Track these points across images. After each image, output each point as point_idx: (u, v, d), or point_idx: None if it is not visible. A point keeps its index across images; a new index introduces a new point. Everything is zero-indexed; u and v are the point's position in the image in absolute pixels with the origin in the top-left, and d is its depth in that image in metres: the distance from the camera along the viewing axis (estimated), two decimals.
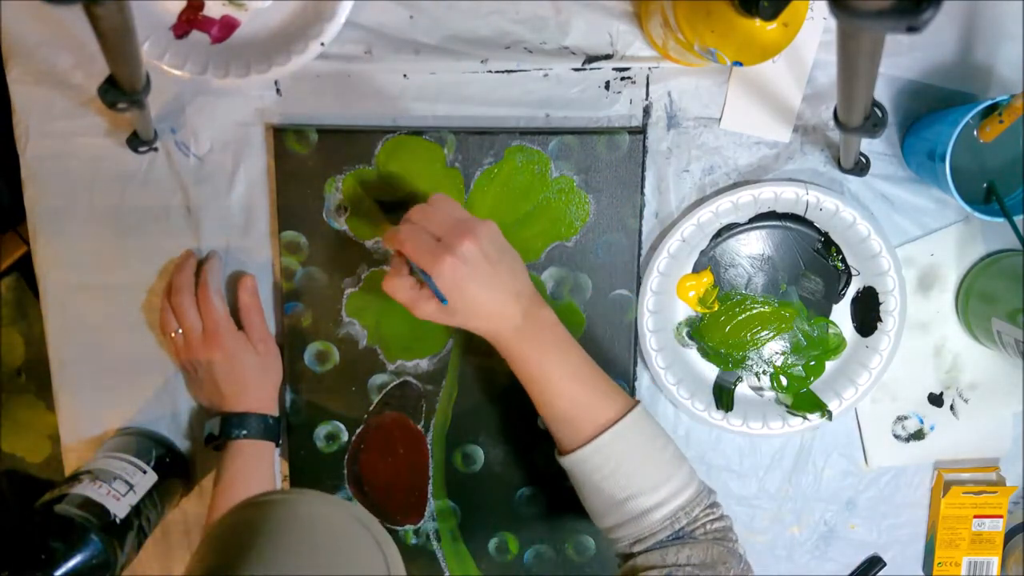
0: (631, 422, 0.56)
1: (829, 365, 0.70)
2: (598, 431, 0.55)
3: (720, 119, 0.65)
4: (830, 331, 0.69)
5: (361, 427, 0.68)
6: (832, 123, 0.56)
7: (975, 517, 0.71)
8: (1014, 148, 0.62)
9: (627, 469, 0.55)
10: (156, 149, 0.64)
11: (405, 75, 0.64)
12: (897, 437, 0.71)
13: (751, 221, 0.67)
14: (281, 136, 0.64)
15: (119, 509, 0.57)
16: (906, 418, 0.71)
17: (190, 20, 0.62)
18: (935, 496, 0.72)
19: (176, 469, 0.67)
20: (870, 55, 0.40)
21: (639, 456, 0.56)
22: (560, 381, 0.56)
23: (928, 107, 0.65)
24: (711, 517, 0.56)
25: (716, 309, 0.69)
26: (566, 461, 0.58)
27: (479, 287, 0.54)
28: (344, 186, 0.64)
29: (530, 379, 0.57)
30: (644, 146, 0.65)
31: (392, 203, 0.65)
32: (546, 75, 0.64)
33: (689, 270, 0.68)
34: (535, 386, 0.57)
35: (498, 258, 0.55)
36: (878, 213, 0.67)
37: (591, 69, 0.64)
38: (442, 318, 0.56)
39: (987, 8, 0.63)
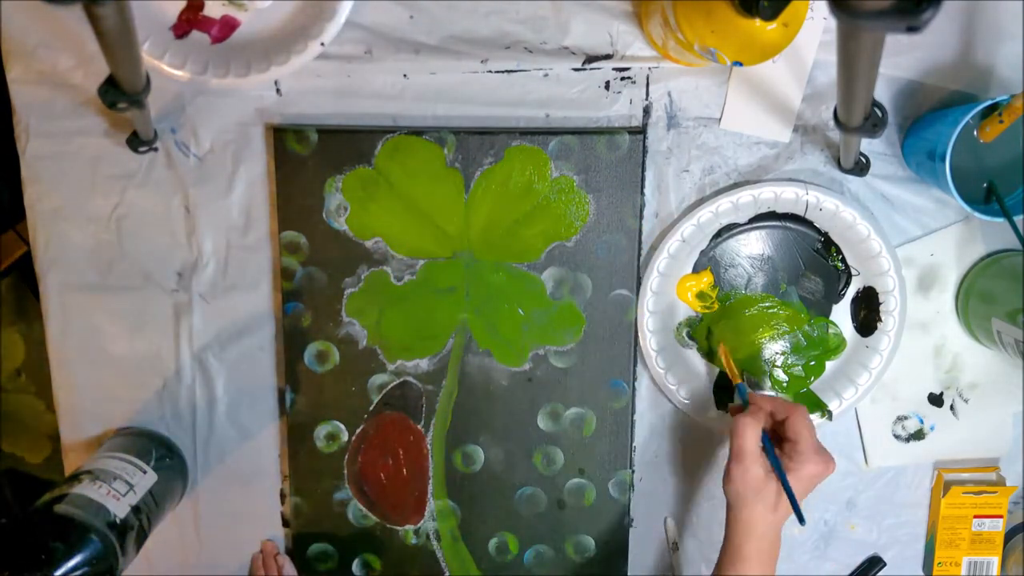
0: None
1: (829, 365, 0.70)
2: None
3: (720, 119, 0.65)
4: (830, 331, 0.69)
5: (361, 427, 0.68)
6: (832, 123, 0.56)
7: (975, 517, 0.71)
8: (1014, 148, 0.62)
9: None
10: (156, 149, 0.64)
11: (405, 75, 0.64)
12: (897, 437, 0.71)
13: (751, 221, 0.67)
14: (281, 136, 0.64)
15: (119, 509, 0.57)
16: (906, 418, 0.71)
17: (190, 20, 0.62)
18: (935, 496, 0.72)
19: (176, 469, 0.67)
20: (870, 55, 0.40)
21: None
22: None
23: (928, 107, 0.65)
24: None
25: (716, 309, 0.69)
26: None
27: (800, 493, 0.57)
28: (344, 186, 0.64)
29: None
30: (644, 146, 0.65)
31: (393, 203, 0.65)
32: (546, 75, 0.64)
33: (689, 270, 0.68)
34: None
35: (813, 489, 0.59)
36: (878, 213, 0.67)
37: (591, 69, 0.64)
38: (745, 485, 0.57)
39: (987, 8, 0.63)
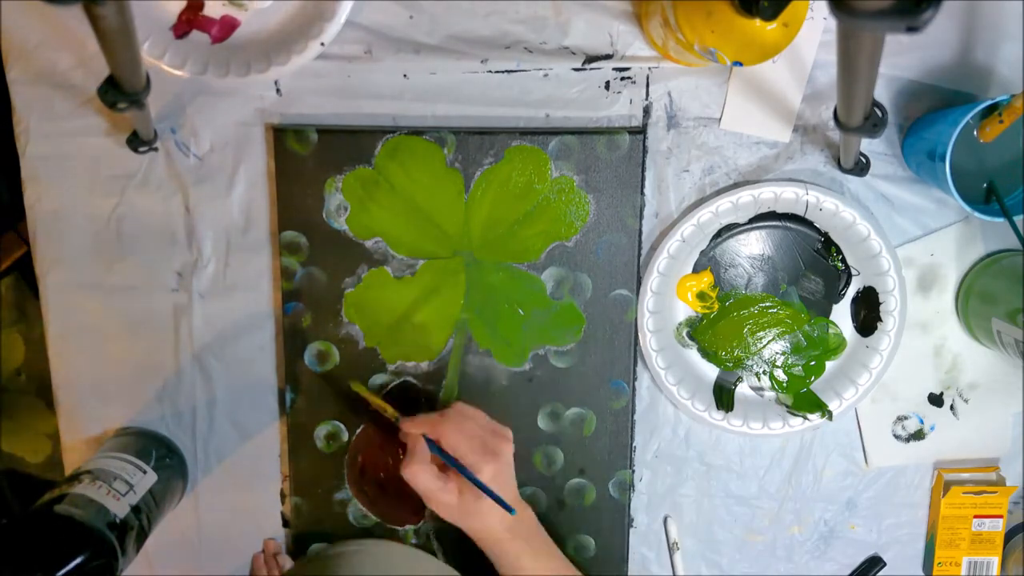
0: None
1: (829, 365, 0.70)
2: None
3: (720, 119, 0.65)
4: (830, 331, 0.69)
5: (361, 427, 0.68)
6: (832, 123, 0.56)
7: (975, 517, 0.71)
8: (1014, 148, 0.62)
9: None
10: (156, 149, 0.65)
11: (405, 75, 0.64)
12: (897, 437, 0.71)
13: (751, 221, 0.67)
14: (281, 136, 0.64)
15: (119, 509, 0.57)
16: (906, 418, 0.71)
17: (190, 20, 0.62)
18: (935, 496, 0.72)
19: (176, 469, 0.67)
20: (870, 55, 0.40)
21: None
22: None
23: (928, 107, 0.65)
24: None
25: (716, 309, 0.69)
26: None
27: (499, 489, 0.57)
28: (344, 186, 0.64)
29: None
30: (644, 146, 0.65)
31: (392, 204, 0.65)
32: (546, 75, 0.64)
33: (689, 270, 0.68)
34: None
35: (513, 465, 0.60)
36: (878, 213, 0.67)
37: (591, 69, 0.64)
38: (452, 514, 0.58)
39: (987, 8, 0.63)
